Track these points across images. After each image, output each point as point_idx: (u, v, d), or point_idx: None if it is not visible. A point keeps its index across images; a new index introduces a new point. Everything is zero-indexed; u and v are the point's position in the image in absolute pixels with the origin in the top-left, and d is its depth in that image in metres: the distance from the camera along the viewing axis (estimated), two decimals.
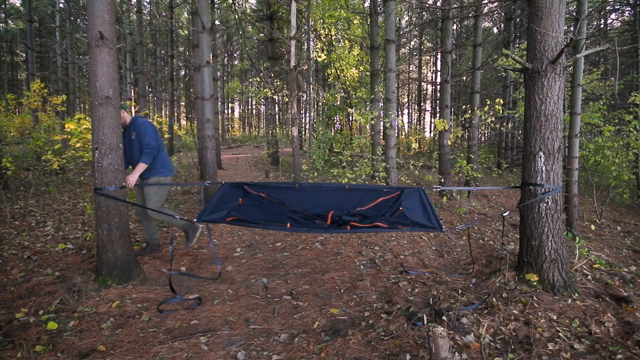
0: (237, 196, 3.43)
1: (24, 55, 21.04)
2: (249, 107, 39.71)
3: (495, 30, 19.69)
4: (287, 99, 13.26)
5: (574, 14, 6.41)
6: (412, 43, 24.35)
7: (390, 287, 3.48)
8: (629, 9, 14.18)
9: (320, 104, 16.84)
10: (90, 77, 3.34)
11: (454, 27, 18.57)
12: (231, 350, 2.50)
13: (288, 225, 3.10)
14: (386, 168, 7.31)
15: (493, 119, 9.54)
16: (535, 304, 2.98)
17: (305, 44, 13.98)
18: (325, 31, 12.49)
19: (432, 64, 25.53)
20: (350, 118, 14.34)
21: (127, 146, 3.92)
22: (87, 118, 5.50)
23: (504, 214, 3.09)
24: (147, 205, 3.86)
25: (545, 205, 3.27)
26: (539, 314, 2.84)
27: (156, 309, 3.00)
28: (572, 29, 11.56)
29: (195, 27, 7.04)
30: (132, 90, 13.71)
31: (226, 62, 27.84)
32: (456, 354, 2.36)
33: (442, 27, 8.92)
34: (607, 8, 14.76)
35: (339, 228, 3.11)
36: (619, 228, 6.92)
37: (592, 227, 6.67)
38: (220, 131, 18.82)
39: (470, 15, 10.23)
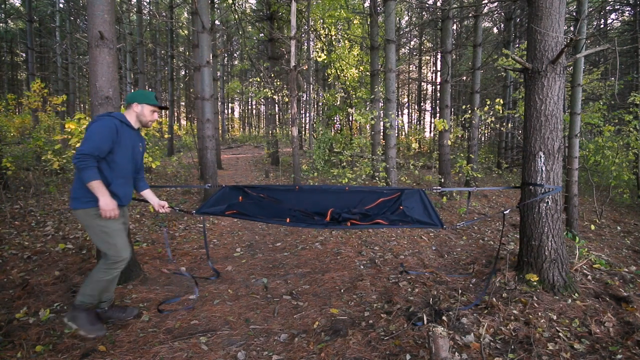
0: (237, 196, 3.44)
1: (24, 55, 21.04)
2: (249, 107, 39.72)
3: (495, 30, 19.69)
4: (287, 99, 13.26)
5: (574, 14, 6.41)
6: (412, 43, 24.35)
7: (390, 287, 3.48)
8: (629, 9, 14.18)
9: (320, 104, 16.84)
10: (90, 77, 3.34)
11: (454, 27, 18.57)
12: (231, 350, 2.50)
13: (287, 220, 3.09)
14: (386, 168, 7.32)
15: (493, 119, 9.55)
16: (535, 304, 2.98)
17: (305, 44, 13.98)
18: (325, 31, 12.49)
19: (432, 64, 25.54)
20: (350, 118, 14.35)
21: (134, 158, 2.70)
22: (87, 118, 5.49)
23: (505, 212, 3.09)
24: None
25: (545, 205, 3.27)
26: (539, 314, 2.84)
27: (156, 309, 3.00)
28: (572, 29, 11.56)
29: (195, 27, 7.04)
30: (132, 90, 13.71)
31: (226, 62, 27.85)
32: (456, 354, 2.36)
33: (442, 27, 8.92)
34: (607, 8, 14.76)
35: (338, 224, 3.09)
36: (619, 228, 6.92)
37: (592, 227, 6.67)
38: (220, 131, 18.82)
39: (470, 15, 10.23)
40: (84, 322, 2.45)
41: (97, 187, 2.33)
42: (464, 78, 14.92)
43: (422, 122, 26.95)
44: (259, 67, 14.87)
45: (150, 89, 24.04)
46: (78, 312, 2.47)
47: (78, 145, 5.59)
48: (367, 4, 14.15)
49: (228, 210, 3.24)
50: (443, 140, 8.41)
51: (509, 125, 12.60)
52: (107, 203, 2.35)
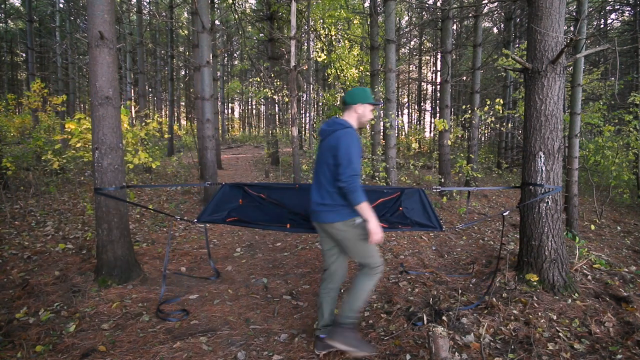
0: (237, 197, 3.43)
1: (24, 55, 21.05)
2: (249, 107, 39.71)
3: (495, 30, 19.69)
4: (287, 99, 13.26)
5: (574, 14, 6.41)
6: (412, 43, 24.34)
7: (390, 287, 3.48)
8: (629, 9, 14.18)
9: (320, 104, 16.84)
10: (90, 77, 3.34)
11: (454, 27, 18.56)
12: (231, 350, 2.50)
13: (288, 226, 3.11)
14: (386, 168, 7.31)
15: (493, 119, 9.55)
16: (535, 304, 2.98)
17: (305, 44, 13.98)
18: (325, 31, 12.48)
19: (432, 64, 25.53)
20: None
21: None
22: (87, 118, 5.49)
23: (504, 213, 3.09)
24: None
25: (545, 205, 3.27)
26: (539, 314, 2.84)
27: (156, 308, 2.99)
28: (572, 29, 11.56)
29: (195, 27, 7.04)
30: (132, 90, 13.71)
31: (226, 62, 27.84)
32: (456, 354, 2.36)
33: (442, 27, 8.92)
34: (607, 8, 14.76)
35: None
36: (619, 228, 6.92)
37: (592, 227, 6.66)
38: (220, 131, 18.82)
39: (470, 15, 10.23)
40: (355, 342, 2.31)
41: (366, 208, 2.22)
42: (464, 78, 14.92)
43: (422, 122, 26.95)
44: (259, 67, 14.86)
45: (149, 89, 24.05)
46: (346, 331, 2.31)
47: (78, 145, 5.60)
48: (367, 4, 14.15)
49: (229, 217, 3.26)
50: (443, 140, 8.41)
51: (509, 125, 12.60)
52: (376, 226, 2.21)
